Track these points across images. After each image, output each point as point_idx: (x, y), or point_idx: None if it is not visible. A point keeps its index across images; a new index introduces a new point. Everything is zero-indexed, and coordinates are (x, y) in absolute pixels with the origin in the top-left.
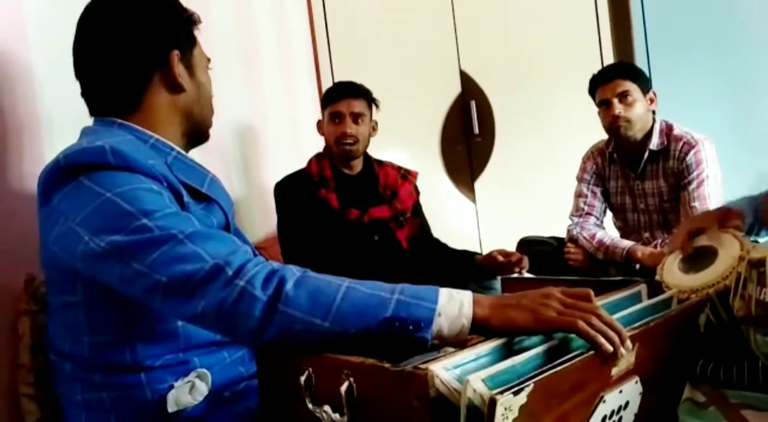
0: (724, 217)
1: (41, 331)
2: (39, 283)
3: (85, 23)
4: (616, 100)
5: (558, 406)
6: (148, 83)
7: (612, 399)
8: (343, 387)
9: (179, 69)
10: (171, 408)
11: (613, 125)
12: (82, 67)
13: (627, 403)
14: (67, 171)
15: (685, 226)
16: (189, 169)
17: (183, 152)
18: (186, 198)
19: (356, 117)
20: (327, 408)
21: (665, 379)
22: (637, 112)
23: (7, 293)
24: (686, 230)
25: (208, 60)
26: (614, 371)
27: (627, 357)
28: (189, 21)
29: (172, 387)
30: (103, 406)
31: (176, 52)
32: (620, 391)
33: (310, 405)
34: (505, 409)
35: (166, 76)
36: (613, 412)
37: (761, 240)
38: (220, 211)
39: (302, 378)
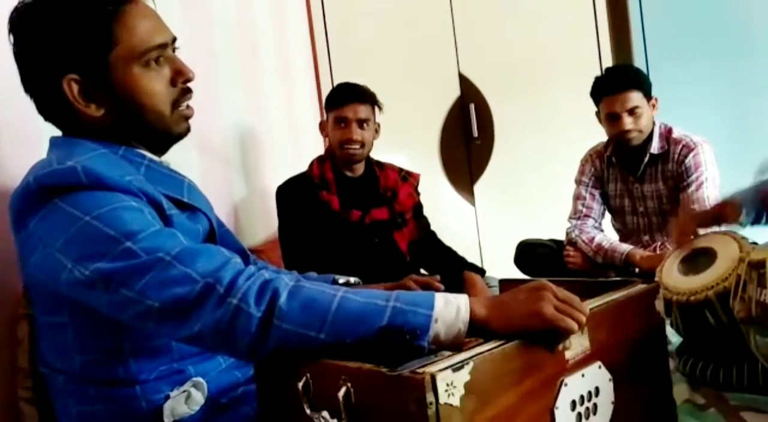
0: (721, 211)
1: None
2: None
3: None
4: (625, 115)
5: (513, 387)
6: (71, 116)
7: (575, 384)
8: (341, 393)
9: (86, 91)
10: (167, 418)
11: (623, 137)
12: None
13: (597, 390)
14: (39, 194)
15: (681, 223)
16: (164, 177)
17: (155, 159)
18: (169, 210)
19: (362, 122)
20: (325, 413)
21: (636, 368)
22: (644, 123)
23: (6, 298)
24: (682, 227)
25: (164, 45)
26: (568, 354)
27: (579, 340)
28: (99, 20)
29: (167, 397)
30: (98, 418)
31: (71, 77)
32: (582, 375)
33: (308, 411)
34: (448, 385)
35: (72, 108)
36: (583, 398)
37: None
38: (204, 217)
39: (300, 384)
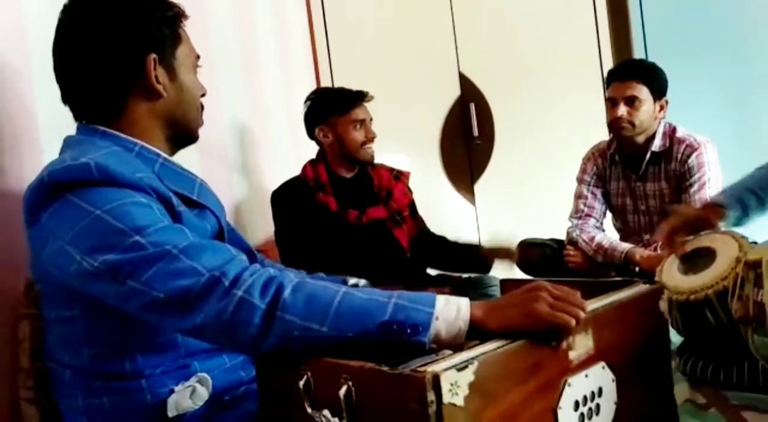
0: (702, 215)
1: (41, 335)
2: (39, 288)
3: (63, 28)
4: (622, 103)
5: (517, 387)
6: (128, 92)
7: (578, 384)
8: (342, 391)
9: (159, 73)
10: (171, 412)
11: (614, 124)
12: (61, 74)
13: (600, 390)
14: (52, 189)
15: (669, 224)
16: (177, 176)
17: (169, 159)
18: (178, 207)
19: (371, 121)
20: (326, 412)
21: (640, 369)
22: (641, 118)
23: (8, 298)
24: (670, 228)
25: (198, 57)
26: (572, 354)
27: (583, 341)
28: (171, 19)
29: (172, 391)
30: (104, 411)
31: (153, 57)
32: (586, 376)
33: (309, 410)
34: (452, 385)
35: (144, 84)
36: (586, 398)
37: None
38: (212, 216)
39: (301, 383)
